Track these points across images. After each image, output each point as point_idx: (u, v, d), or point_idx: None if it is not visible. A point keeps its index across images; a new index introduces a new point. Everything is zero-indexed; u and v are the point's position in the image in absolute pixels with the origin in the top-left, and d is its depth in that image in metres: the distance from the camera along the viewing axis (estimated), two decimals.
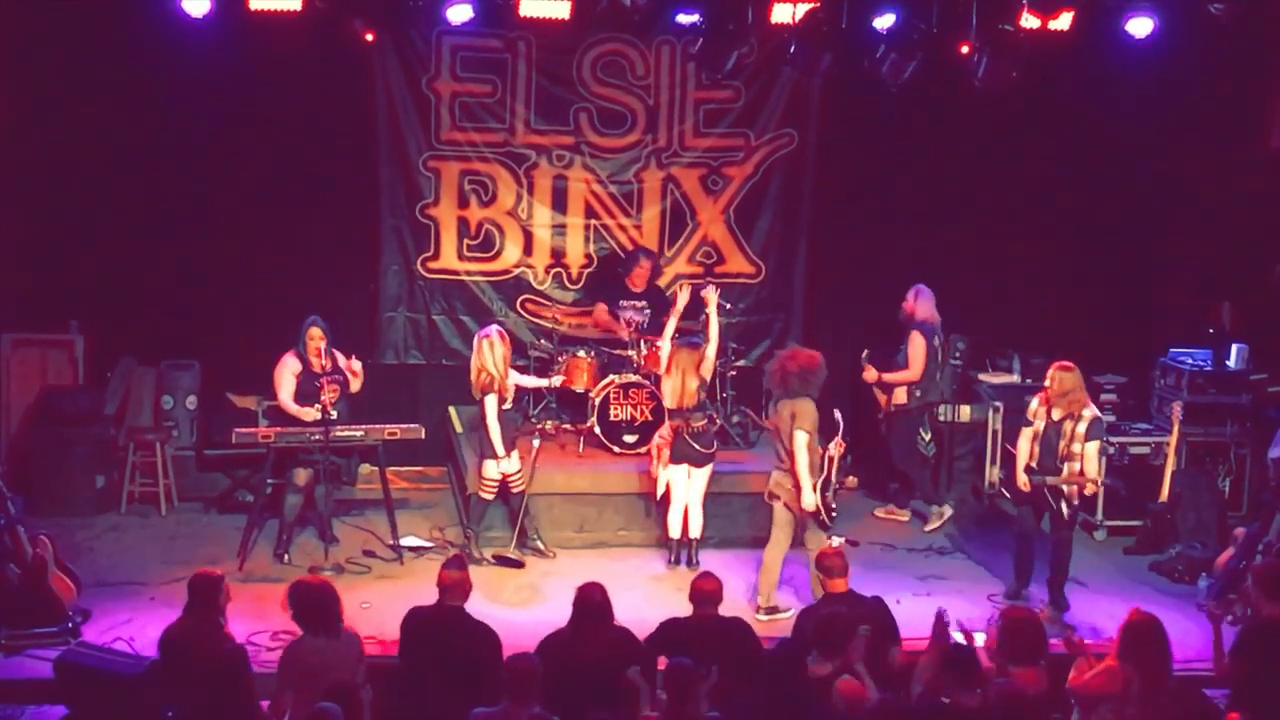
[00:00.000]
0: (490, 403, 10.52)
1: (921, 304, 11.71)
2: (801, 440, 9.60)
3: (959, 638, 7.80)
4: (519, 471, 10.79)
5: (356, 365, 10.68)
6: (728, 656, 7.52)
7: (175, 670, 7.30)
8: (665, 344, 10.89)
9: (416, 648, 7.74)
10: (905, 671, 7.68)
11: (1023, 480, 10.00)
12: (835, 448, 9.79)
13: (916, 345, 11.62)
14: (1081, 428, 9.84)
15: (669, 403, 10.68)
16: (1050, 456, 9.94)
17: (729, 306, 11.98)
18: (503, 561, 10.68)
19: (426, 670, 7.56)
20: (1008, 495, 10.44)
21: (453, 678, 7.36)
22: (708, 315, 10.85)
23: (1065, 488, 9.93)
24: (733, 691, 7.26)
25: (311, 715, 6.42)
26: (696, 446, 10.59)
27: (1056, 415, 9.92)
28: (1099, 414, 10.06)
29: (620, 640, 7.69)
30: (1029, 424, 10.08)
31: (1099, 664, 7.06)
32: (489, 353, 10.53)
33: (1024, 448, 10.06)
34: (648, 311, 12.11)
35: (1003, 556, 10.69)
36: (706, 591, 7.95)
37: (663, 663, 7.51)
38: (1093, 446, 9.86)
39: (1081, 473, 9.87)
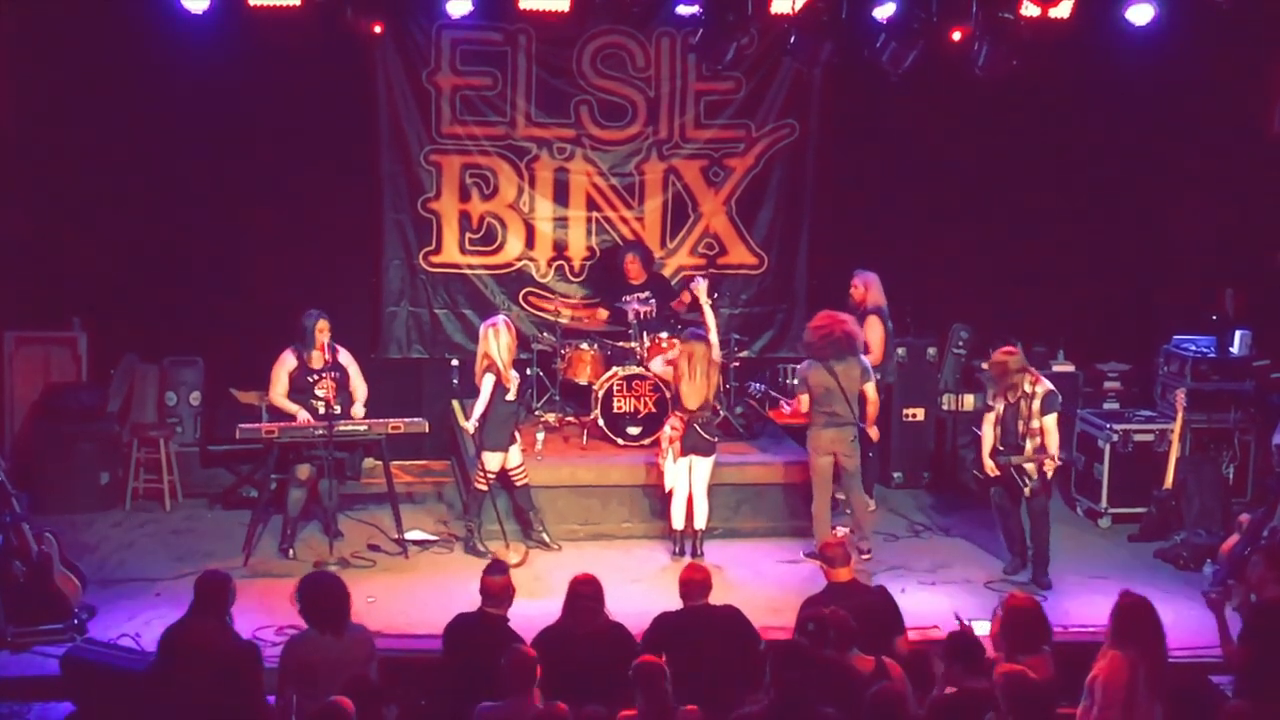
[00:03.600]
0: (488, 382, 10.53)
1: (871, 290, 11.63)
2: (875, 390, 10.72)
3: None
4: (521, 465, 10.81)
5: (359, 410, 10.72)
6: (723, 644, 7.51)
7: (177, 670, 7.27)
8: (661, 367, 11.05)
9: (456, 653, 7.70)
10: (910, 661, 7.68)
11: (989, 465, 10.35)
12: None
13: (876, 329, 11.56)
14: (1036, 404, 10.19)
15: (693, 402, 10.62)
16: (1012, 436, 10.29)
17: (717, 296, 11.94)
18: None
19: (466, 676, 7.47)
20: (979, 477, 10.69)
21: (490, 685, 7.27)
22: (701, 306, 10.92)
23: (1027, 465, 10.23)
24: (731, 680, 7.26)
25: (322, 710, 6.41)
26: (706, 436, 10.64)
27: (1011, 397, 10.25)
28: (1052, 387, 10.36)
29: (611, 633, 7.69)
30: (989, 409, 10.45)
31: (1103, 658, 6.97)
32: (494, 340, 10.55)
33: (987, 432, 10.44)
34: (652, 301, 12.12)
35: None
36: (695, 582, 7.96)
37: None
38: (1050, 419, 10.22)
39: (1043, 448, 10.18)
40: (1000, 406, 10.32)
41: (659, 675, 6.74)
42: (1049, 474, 10.36)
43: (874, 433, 10.88)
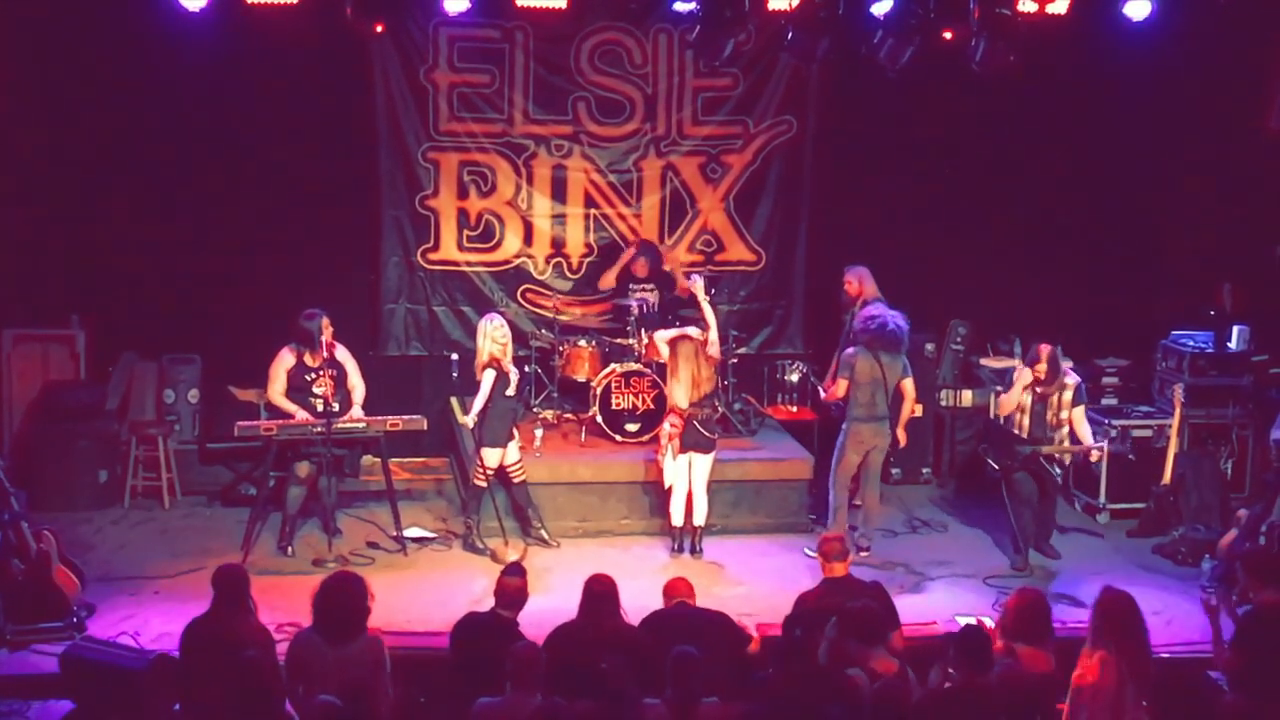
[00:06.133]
0: (488, 377, 10.54)
1: (865, 283, 11.56)
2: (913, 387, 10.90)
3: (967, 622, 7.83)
4: (519, 461, 10.82)
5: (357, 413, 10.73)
6: (709, 645, 7.53)
7: (199, 666, 7.26)
8: (663, 345, 10.94)
9: (463, 652, 7.70)
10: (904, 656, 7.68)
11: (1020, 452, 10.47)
12: None
13: None
14: (1068, 395, 10.51)
15: (683, 401, 10.58)
16: (1041, 427, 10.49)
17: (714, 291, 11.93)
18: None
19: (473, 675, 7.43)
20: (995, 466, 10.64)
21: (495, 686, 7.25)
22: (700, 304, 10.92)
23: (1059, 456, 10.56)
24: (727, 678, 7.28)
25: (315, 709, 6.40)
26: (705, 433, 10.65)
27: (1040, 390, 10.48)
28: (1080, 380, 10.67)
29: (629, 634, 7.68)
30: (1008, 388, 10.68)
31: (1089, 659, 6.92)
32: (493, 334, 10.57)
33: (1010, 409, 10.59)
34: (656, 292, 12.17)
35: (1004, 538, 10.82)
36: (676, 585, 8.10)
37: None
38: (1079, 411, 10.55)
39: (1078, 441, 10.50)
40: (1028, 398, 10.46)
41: (692, 666, 6.76)
42: (1094, 461, 10.87)
43: (902, 436, 10.91)
